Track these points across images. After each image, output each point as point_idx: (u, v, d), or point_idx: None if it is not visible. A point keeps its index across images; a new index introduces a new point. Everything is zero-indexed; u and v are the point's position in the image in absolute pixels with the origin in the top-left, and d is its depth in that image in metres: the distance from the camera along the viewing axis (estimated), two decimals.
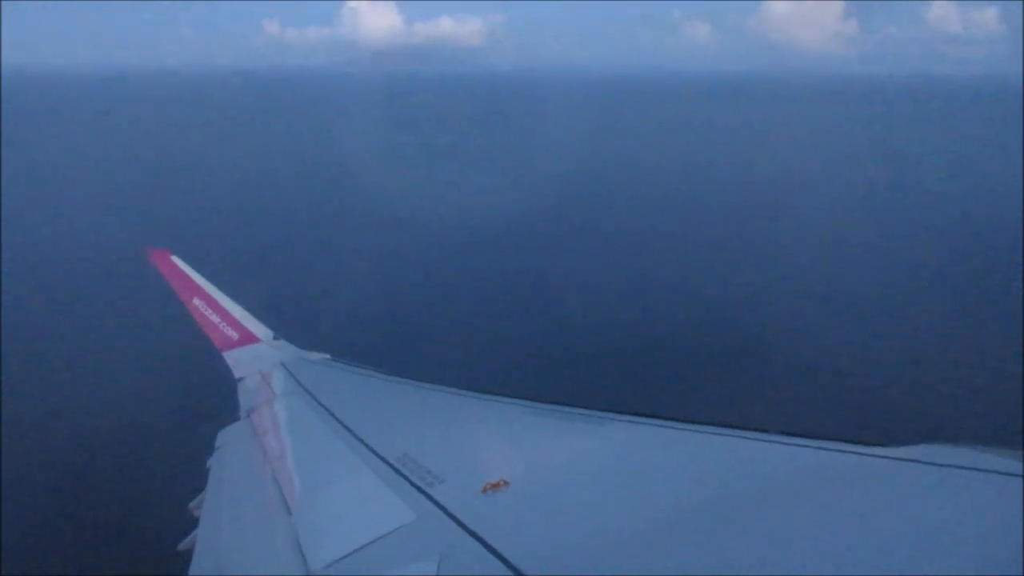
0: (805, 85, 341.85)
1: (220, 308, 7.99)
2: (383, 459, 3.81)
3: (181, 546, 4.05)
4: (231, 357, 7.31)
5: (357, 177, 64.69)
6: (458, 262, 39.72)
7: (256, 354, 7.22)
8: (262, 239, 44.24)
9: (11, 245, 38.42)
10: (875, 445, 2.74)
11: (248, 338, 7.60)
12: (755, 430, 3.14)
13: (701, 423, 3.39)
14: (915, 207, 54.93)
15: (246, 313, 8.02)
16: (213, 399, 7.31)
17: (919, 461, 2.45)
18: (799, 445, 2.92)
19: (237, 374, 6.88)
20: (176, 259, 8.85)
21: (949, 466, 2.34)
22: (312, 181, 65.38)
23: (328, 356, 7.00)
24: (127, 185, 59.98)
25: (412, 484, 3.36)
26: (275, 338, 7.66)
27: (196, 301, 8.09)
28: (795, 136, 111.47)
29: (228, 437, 5.28)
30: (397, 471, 3.58)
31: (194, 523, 4.09)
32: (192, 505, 4.45)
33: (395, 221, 47.34)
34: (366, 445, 4.10)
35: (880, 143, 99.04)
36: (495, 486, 3.03)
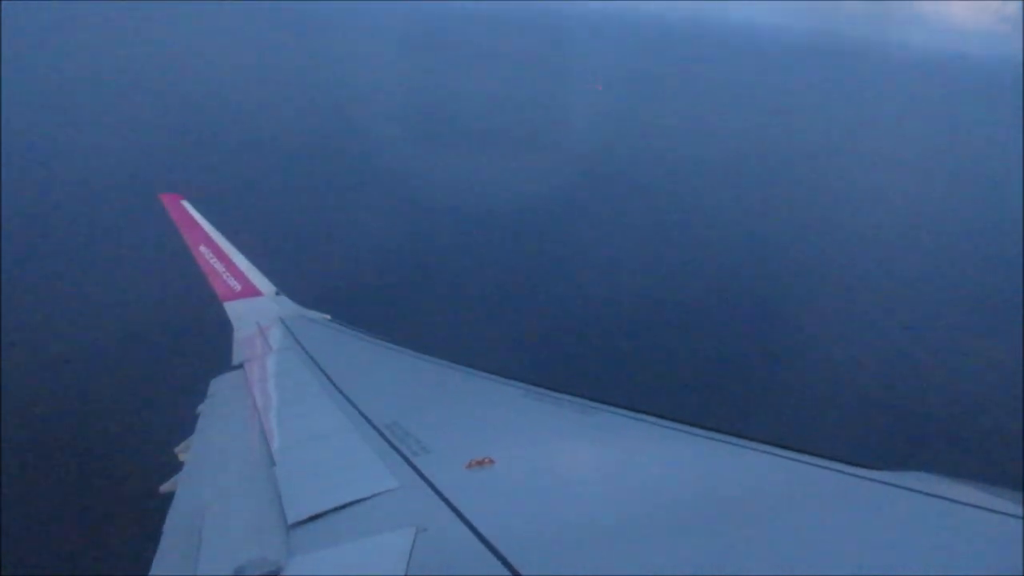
0: (957, 64, 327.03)
1: (225, 257, 7.99)
2: (372, 424, 3.84)
3: (163, 488, 4.07)
4: (231, 307, 7.30)
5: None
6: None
7: (256, 307, 7.23)
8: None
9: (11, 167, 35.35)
10: (868, 467, 2.70)
11: (250, 290, 7.61)
12: (749, 438, 3.12)
13: (695, 425, 3.38)
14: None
15: (252, 266, 8.01)
16: (209, 347, 7.33)
17: (915, 490, 2.40)
18: (791, 459, 2.89)
19: (235, 325, 6.88)
20: (187, 204, 8.83)
21: (946, 499, 2.30)
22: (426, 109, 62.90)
23: (328, 317, 7.01)
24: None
25: (397, 452, 3.38)
26: (277, 293, 7.66)
27: (202, 248, 8.09)
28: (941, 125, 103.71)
29: (220, 386, 5.31)
30: (384, 437, 3.60)
31: (178, 466, 4.12)
32: (178, 448, 4.47)
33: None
34: (357, 408, 4.13)
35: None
36: (479, 463, 3.05)
